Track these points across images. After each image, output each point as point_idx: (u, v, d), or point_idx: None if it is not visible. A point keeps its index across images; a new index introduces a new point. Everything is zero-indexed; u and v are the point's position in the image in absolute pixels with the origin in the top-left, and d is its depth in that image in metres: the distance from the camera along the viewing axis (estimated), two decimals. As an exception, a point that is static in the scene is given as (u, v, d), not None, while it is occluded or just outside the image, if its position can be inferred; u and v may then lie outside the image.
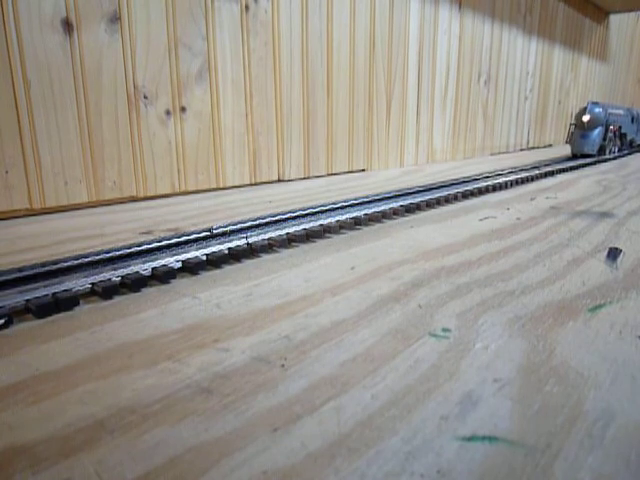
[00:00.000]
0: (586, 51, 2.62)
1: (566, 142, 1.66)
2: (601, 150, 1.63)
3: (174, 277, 0.46)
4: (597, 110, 1.58)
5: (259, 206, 0.81)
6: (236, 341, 0.33)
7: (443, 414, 0.25)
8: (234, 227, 0.59)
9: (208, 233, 0.57)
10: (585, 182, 1.12)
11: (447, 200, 0.85)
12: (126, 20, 0.80)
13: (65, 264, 0.45)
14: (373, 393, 0.26)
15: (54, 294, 0.39)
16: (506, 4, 1.83)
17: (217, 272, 0.48)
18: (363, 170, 1.35)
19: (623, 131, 1.85)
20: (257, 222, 0.62)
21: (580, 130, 1.60)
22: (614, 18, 2.88)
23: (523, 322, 0.36)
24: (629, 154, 1.96)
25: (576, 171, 1.35)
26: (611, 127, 1.66)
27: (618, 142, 1.80)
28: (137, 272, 0.44)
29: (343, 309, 0.38)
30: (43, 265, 0.44)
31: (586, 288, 0.43)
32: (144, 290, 0.43)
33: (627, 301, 0.40)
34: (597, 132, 1.58)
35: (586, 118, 1.57)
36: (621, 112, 1.80)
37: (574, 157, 1.60)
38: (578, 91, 2.60)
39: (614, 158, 1.75)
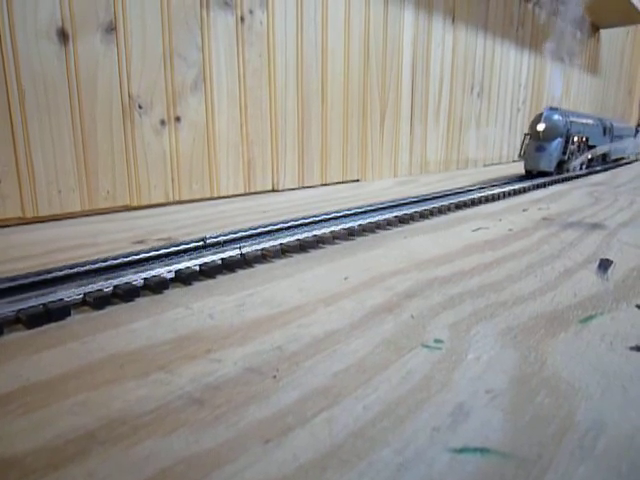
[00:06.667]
0: (577, 64, 2.65)
1: (519, 156, 1.35)
2: (560, 166, 1.34)
3: (167, 287, 0.46)
4: (555, 117, 1.29)
5: (253, 216, 0.82)
6: (228, 352, 0.33)
7: (435, 425, 0.25)
8: (228, 237, 0.59)
9: (202, 243, 0.56)
10: (577, 193, 1.14)
11: (440, 211, 0.85)
12: (122, 30, 0.80)
13: (57, 274, 0.45)
14: (365, 404, 0.26)
15: (45, 304, 0.39)
16: (499, 17, 1.85)
17: (210, 282, 0.48)
18: (357, 180, 1.35)
19: (591, 143, 1.54)
20: (251, 232, 0.62)
21: (535, 142, 1.30)
22: (604, 32, 2.93)
23: (515, 333, 0.36)
24: (602, 171, 1.67)
25: (568, 183, 1.36)
26: (575, 138, 1.37)
27: (585, 157, 1.52)
28: (130, 282, 0.44)
29: (336, 319, 0.38)
30: (35, 274, 0.44)
31: (577, 299, 0.43)
32: (137, 300, 0.43)
33: (618, 312, 0.40)
34: (555, 144, 1.29)
35: (541, 127, 1.28)
36: (590, 121, 1.51)
37: (529, 175, 1.31)
38: (570, 103, 2.63)
39: (585, 175, 1.50)
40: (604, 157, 1.75)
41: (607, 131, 1.70)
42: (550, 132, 1.28)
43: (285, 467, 0.22)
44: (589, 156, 1.56)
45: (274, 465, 0.22)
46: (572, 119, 1.36)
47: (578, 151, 1.44)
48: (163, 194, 0.91)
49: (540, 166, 1.29)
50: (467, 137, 1.81)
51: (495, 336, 0.35)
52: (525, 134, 1.35)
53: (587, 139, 1.49)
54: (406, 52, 1.44)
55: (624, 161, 2.08)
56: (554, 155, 1.29)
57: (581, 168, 1.51)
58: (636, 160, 2.26)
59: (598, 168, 1.66)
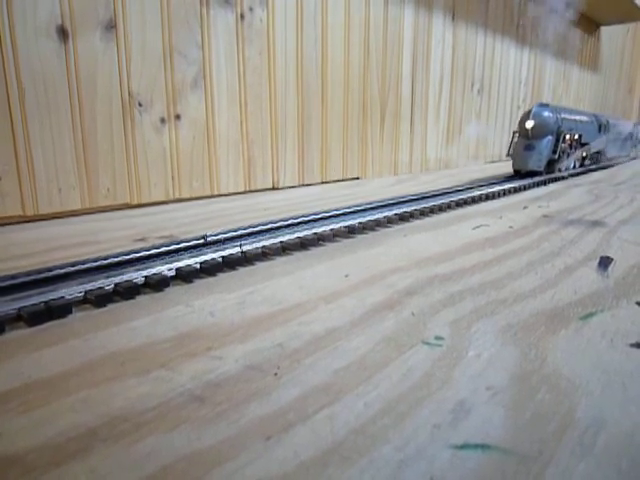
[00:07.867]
0: (578, 61, 2.65)
1: (507, 155, 1.28)
2: (551, 166, 1.28)
3: (168, 285, 0.46)
4: (546, 114, 1.22)
5: (253, 214, 0.81)
6: (229, 349, 0.33)
7: (436, 422, 0.25)
8: (228, 235, 0.59)
9: (202, 241, 0.56)
10: (576, 191, 1.13)
11: (440, 208, 0.85)
12: (122, 28, 0.80)
13: (58, 272, 0.45)
14: (366, 401, 0.27)
15: (47, 302, 0.39)
16: (499, 15, 1.85)
17: (211, 280, 0.48)
18: (357, 178, 1.35)
19: (585, 141, 1.47)
20: (251, 230, 0.62)
21: (524, 140, 1.23)
22: (605, 29, 2.92)
23: (515, 330, 0.36)
24: (600, 169, 1.62)
25: (564, 181, 1.36)
26: (566, 136, 1.29)
27: (578, 155, 1.45)
28: (131, 280, 0.44)
29: (337, 317, 0.38)
30: (36, 272, 0.44)
31: (578, 296, 0.43)
32: (138, 298, 0.43)
33: (618, 309, 0.40)
34: (545, 143, 1.21)
35: (530, 124, 1.20)
36: (583, 118, 1.44)
37: (517, 175, 1.24)
38: (570, 101, 2.63)
39: (584, 173, 1.45)
40: (600, 155, 1.69)
41: (603, 128, 1.62)
42: (540, 130, 1.21)
43: (286, 464, 0.22)
44: (583, 154, 1.49)
45: (275, 462, 0.22)
46: (564, 116, 1.29)
47: (570, 149, 1.37)
48: (163, 192, 0.91)
49: (529, 165, 1.22)
50: (467, 135, 1.81)
51: (496, 333, 0.35)
52: (514, 132, 1.28)
53: (580, 137, 1.43)
54: (406, 50, 1.44)
55: (623, 159, 2.04)
56: (544, 154, 1.22)
57: (574, 167, 1.45)
58: (635, 158, 2.26)
59: (593, 167, 1.60)
